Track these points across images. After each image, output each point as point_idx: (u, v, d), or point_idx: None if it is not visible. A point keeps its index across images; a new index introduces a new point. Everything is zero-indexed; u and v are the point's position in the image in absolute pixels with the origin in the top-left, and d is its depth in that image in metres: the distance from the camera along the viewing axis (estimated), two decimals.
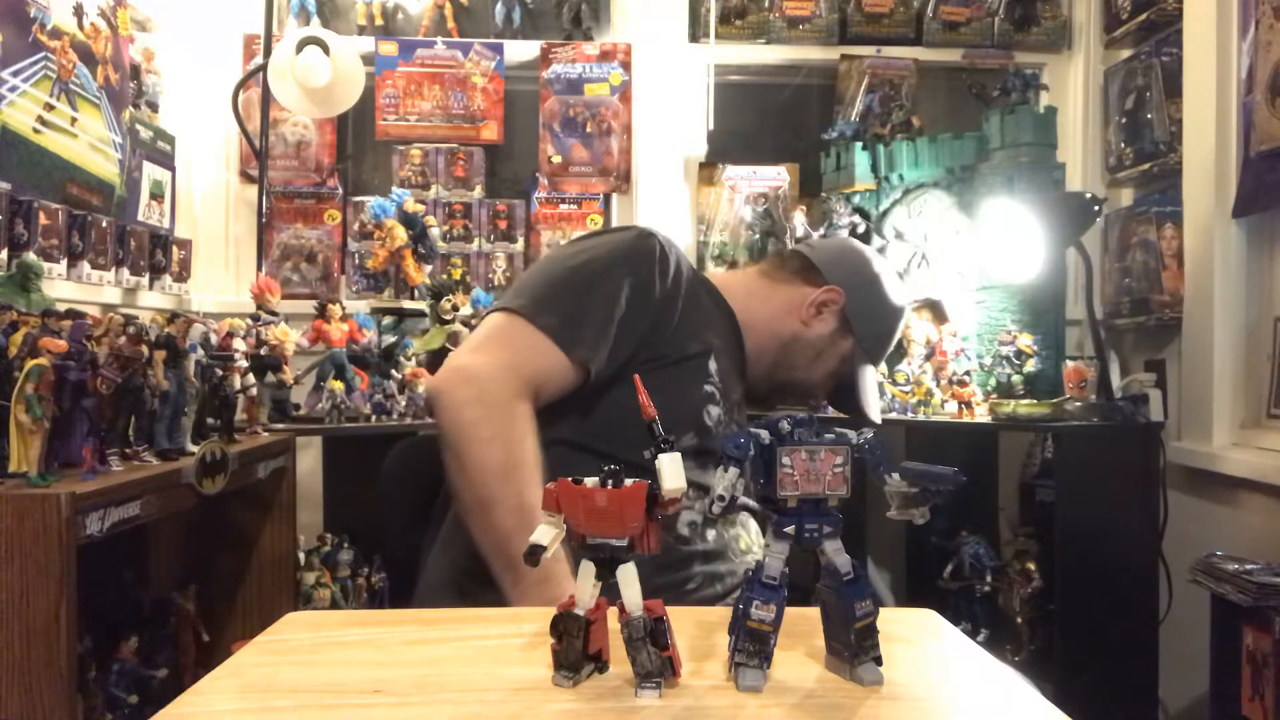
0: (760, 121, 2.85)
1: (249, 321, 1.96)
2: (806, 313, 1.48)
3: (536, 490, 1.07)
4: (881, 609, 0.72)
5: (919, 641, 0.82)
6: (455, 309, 2.12)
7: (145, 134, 2.27)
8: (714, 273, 2.28)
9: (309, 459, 2.26)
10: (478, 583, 1.17)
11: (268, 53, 2.43)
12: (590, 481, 0.68)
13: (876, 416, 1.61)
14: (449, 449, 1.17)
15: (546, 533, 0.70)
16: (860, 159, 2.46)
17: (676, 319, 1.30)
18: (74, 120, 1.94)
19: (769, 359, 1.48)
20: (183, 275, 2.34)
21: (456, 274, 2.61)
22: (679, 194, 2.72)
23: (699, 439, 1.29)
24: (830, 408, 1.68)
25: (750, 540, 1.37)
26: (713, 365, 1.32)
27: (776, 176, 2.71)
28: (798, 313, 1.48)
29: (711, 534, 1.30)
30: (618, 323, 1.25)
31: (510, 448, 1.14)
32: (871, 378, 1.60)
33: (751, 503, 1.34)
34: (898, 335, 1.62)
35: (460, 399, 1.16)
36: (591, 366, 1.23)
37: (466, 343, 1.30)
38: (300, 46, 2.29)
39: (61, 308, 1.34)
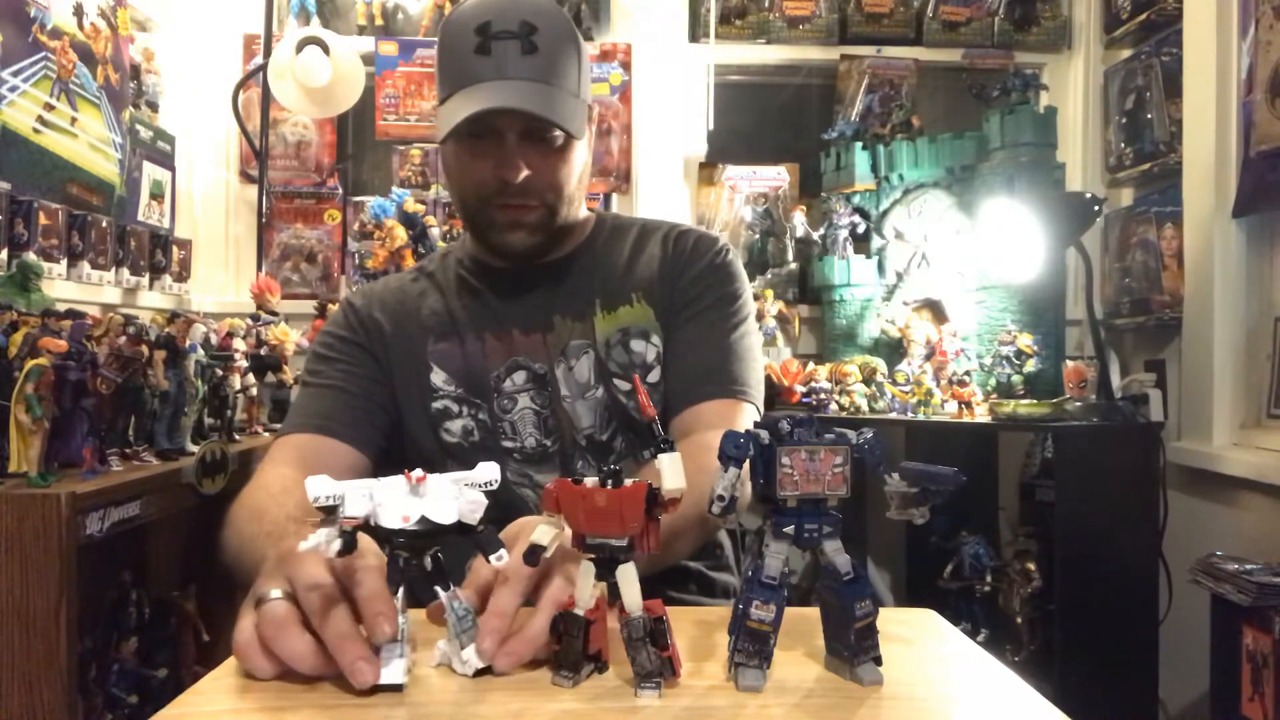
0: (760, 121, 2.85)
1: (249, 321, 1.96)
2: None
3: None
4: (881, 609, 0.72)
5: (919, 641, 0.81)
6: None
7: (145, 134, 2.27)
8: None
9: None
10: None
11: (268, 53, 2.43)
12: (590, 481, 0.68)
13: None
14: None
15: (546, 533, 0.70)
16: (860, 159, 2.46)
17: (388, 355, 1.26)
18: (74, 120, 1.94)
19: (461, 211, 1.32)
20: (183, 275, 2.34)
21: None
22: (679, 194, 2.72)
23: (469, 457, 1.20)
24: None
25: None
26: (437, 377, 1.24)
27: (776, 176, 2.71)
28: None
29: None
30: (343, 388, 1.23)
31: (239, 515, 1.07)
32: None
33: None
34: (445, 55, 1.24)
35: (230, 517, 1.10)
36: (331, 431, 1.18)
37: None
38: (300, 46, 2.29)
39: (61, 308, 1.34)
